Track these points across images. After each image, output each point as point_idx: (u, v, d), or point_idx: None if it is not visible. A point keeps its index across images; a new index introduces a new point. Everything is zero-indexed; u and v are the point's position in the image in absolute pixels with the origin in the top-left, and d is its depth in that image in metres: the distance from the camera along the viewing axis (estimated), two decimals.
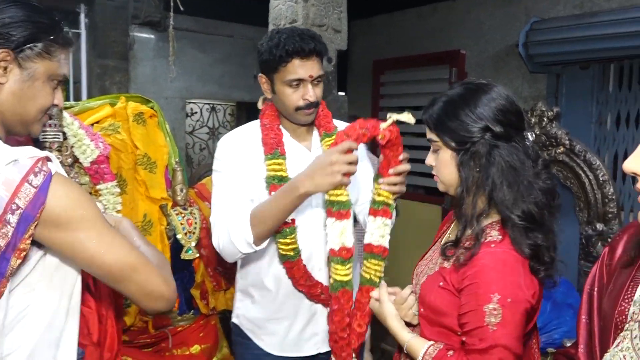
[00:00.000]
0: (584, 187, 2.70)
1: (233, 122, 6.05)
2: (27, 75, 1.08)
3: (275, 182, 1.66)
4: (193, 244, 2.12)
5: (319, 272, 1.74)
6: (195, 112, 5.70)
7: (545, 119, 2.75)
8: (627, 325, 0.96)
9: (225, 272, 2.23)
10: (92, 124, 2.09)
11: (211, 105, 5.78)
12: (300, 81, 1.65)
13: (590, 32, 3.21)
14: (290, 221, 1.66)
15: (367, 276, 1.55)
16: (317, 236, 1.72)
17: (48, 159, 1.00)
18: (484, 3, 4.10)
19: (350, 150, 1.39)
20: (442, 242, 1.36)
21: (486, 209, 1.21)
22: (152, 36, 4.78)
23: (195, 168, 5.55)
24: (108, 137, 2.05)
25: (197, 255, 2.19)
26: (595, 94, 3.54)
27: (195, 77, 5.16)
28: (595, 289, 1.08)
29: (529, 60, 3.59)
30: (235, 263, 1.85)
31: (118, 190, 1.99)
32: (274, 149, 1.71)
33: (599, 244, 2.69)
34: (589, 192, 2.69)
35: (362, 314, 1.52)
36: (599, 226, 2.67)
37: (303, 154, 1.77)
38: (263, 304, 1.76)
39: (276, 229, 1.59)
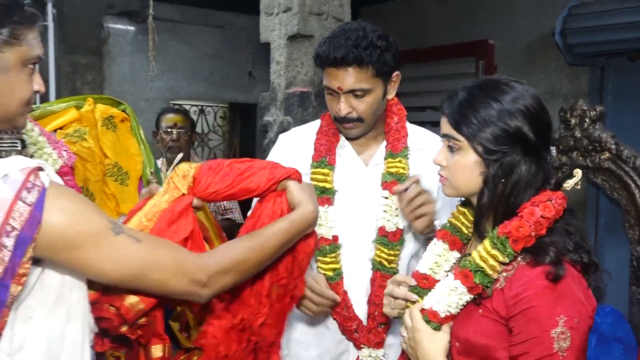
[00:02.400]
0: (634, 200, 2.68)
1: (225, 127, 6.09)
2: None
3: (317, 193, 1.69)
4: None
5: (358, 305, 1.76)
6: None
7: (587, 120, 2.75)
8: None
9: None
10: (55, 130, 2.10)
11: (199, 107, 5.83)
12: (333, 90, 1.69)
13: (639, 17, 3.21)
14: (331, 238, 1.72)
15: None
16: (362, 262, 1.76)
17: (40, 169, 1.04)
18: None
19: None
20: (462, 256, 1.39)
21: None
22: (130, 28, 4.85)
23: None
24: (73, 144, 2.06)
25: None
26: None
27: (181, 75, 5.22)
28: None
29: (568, 51, 3.59)
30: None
31: None
32: (321, 156, 1.77)
33: None
34: None
35: None
36: None
37: (357, 167, 1.81)
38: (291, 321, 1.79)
39: None
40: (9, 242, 0.98)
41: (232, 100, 5.68)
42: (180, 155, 2.51)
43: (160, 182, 2.27)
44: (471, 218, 1.40)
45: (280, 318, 1.48)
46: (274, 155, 1.86)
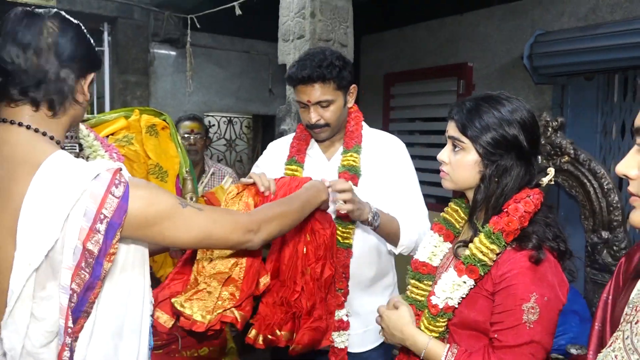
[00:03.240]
0: (589, 196, 2.65)
1: (249, 134, 6.08)
2: (88, 88, 1.20)
3: None
4: None
5: None
6: (213, 125, 5.73)
7: (550, 129, 2.72)
8: (620, 326, 0.94)
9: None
10: (107, 136, 2.10)
11: (228, 118, 5.82)
12: (304, 104, 1.74)
13: (594, 43, 3.16)
14: None
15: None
16: None
17: (121, 169, 1.08)
18: (490, 17, 4.07)
19: None
20: (455, 243, 1.38)
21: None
22: (172, 53, 4.85)
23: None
24: (122, 148, 2.06)
25: None
26: (600, 104, 3.48)
27: (213, 91, 5.21)
28: (610, 297, 1.06)
29: (534, 72, 3.55)
30: None
31: None
32: (292, 156, 1.85)
33: (605, 251, 2.64)
34: (594, 201, 2.64)
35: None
36: (605, 234, 2.62)
37: (321, 162, 1.87)
38: None
39: None
40: (102, 227, 1.01)
41: (255, 112, 5.67)
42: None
43: (194, 180, 2.27)
44: (463, 215, 1.41)
45: (314, 292, 1.56)
46: (263, 159, 1.96)
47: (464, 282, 1.22)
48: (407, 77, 4.84)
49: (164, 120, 2.25)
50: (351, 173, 1.76)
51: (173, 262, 2.09)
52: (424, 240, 1.46)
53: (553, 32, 3.50)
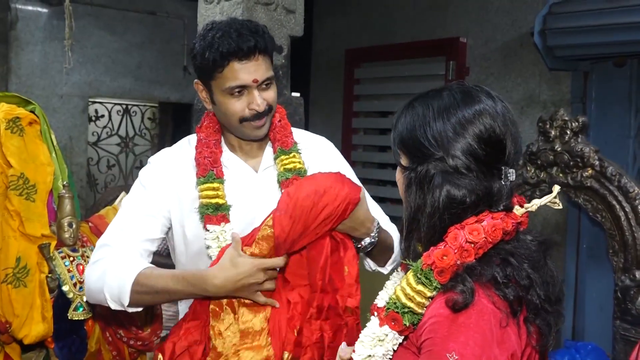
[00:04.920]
0: (618, 223, 2.74)
1: (154, 130, 6.01)
2: None
3: (210, 212, 1.77)
4: (85, 298, 2.09)
5: None
6: (102, 116, 5.66)
7: (568, 132, 2.81)
8: None
9: (131, 337, 2.20)
10: None
11: (124, 107, 5.75)
12: (243, 88, 1.75)
13: (626, 18, 3.27)
14: None
15: None
16: None
17: None
18: None
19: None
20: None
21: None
22: (43, 10, 4.76)
23: (101, 192, 5.48)
24: None
25: (91, 314, 2.15)
26: (634, 98, 3.62)
27: (103, 68, 5.14)
28: None
29: (548, 53, 3.65)
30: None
31: None
32: (207, 170, 1.82)
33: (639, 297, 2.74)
34: (625, 229, 2.73)
35: None
36: (639, 274, 2.71)
37: (247, 175, 1.87)
38: None
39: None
40: None
41: (163, 99, 5.62)
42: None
43: (75, 198, 2.23)
44: None
45: None
46: (148, 181, 1.86)
47: (386, 335, 1.25)
48: (377, 55, 4.90)
49: (32, 111, 2.21)
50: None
51: (43, 317, 2.05)
52: (387, 282, 1.47)
53: (573, 2, 3.62)
